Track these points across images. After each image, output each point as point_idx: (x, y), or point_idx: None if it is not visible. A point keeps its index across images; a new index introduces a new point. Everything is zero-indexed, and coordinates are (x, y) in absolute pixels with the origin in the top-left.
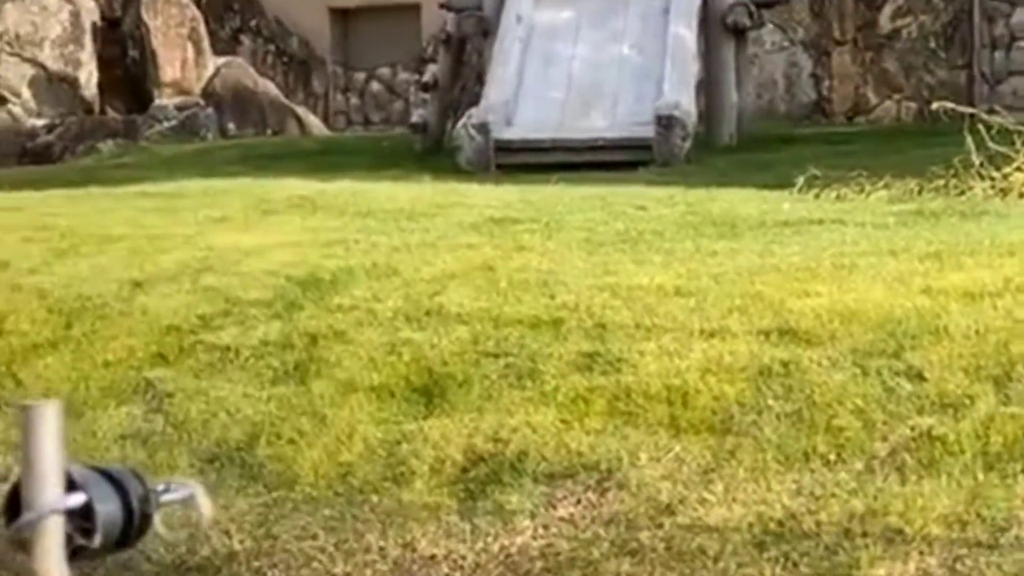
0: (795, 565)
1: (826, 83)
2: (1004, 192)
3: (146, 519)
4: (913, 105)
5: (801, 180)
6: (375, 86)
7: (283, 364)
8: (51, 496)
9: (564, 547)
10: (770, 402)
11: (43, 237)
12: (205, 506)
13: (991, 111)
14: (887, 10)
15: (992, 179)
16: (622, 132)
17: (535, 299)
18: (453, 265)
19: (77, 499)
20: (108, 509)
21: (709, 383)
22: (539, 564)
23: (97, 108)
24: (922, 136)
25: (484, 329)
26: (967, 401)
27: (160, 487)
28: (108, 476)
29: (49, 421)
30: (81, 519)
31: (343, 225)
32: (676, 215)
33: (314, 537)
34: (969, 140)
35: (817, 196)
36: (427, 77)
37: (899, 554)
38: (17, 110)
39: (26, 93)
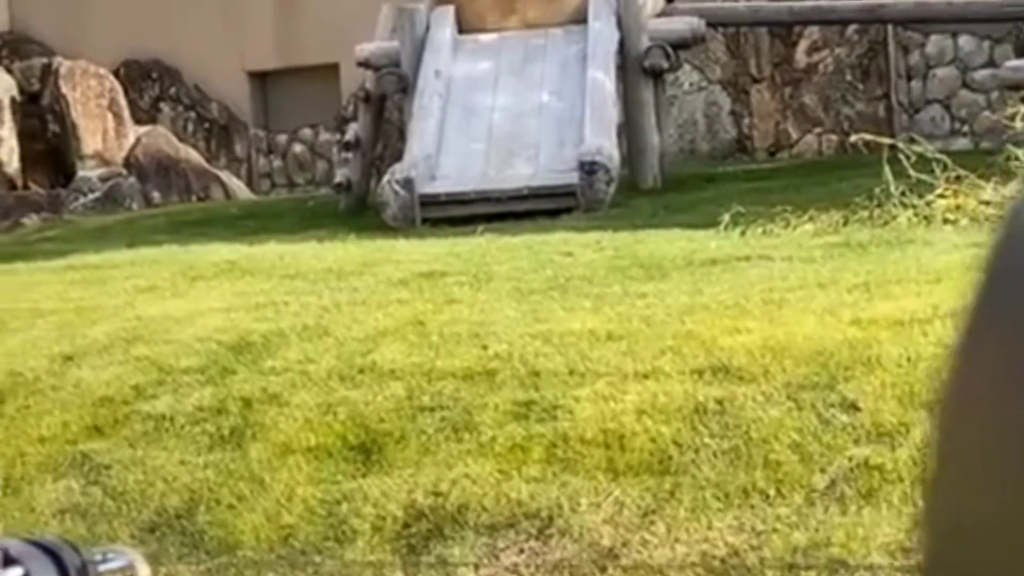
0: None
1: (746, 120)
2: (927, 220)
3: None
4: (834, 138)
5: (727, 218)
6: (297, 148)
7: (219, 430)
8: None
9: None
10: (707, 440)
11: None
12: (144, 573)
13: (911, 140)
14: (802, 45)
15: (915, 207)
16: (546, 180)
17: (467, 351)
18: (384, 322)
19: (15, 573)
20: None
21: (645, 425)
22: None
23: (20, 183)
24: (844, 168)
25: (418, 384)
26: (902, 429)
27: (97, 556)
28: (44, 548)
29: None
30: None
31: (272, 288)
32: (604, 259)
33: None
34: (888, 170)
35: (743, 233)
36: (349, 136)
37: None
38: None
39: None
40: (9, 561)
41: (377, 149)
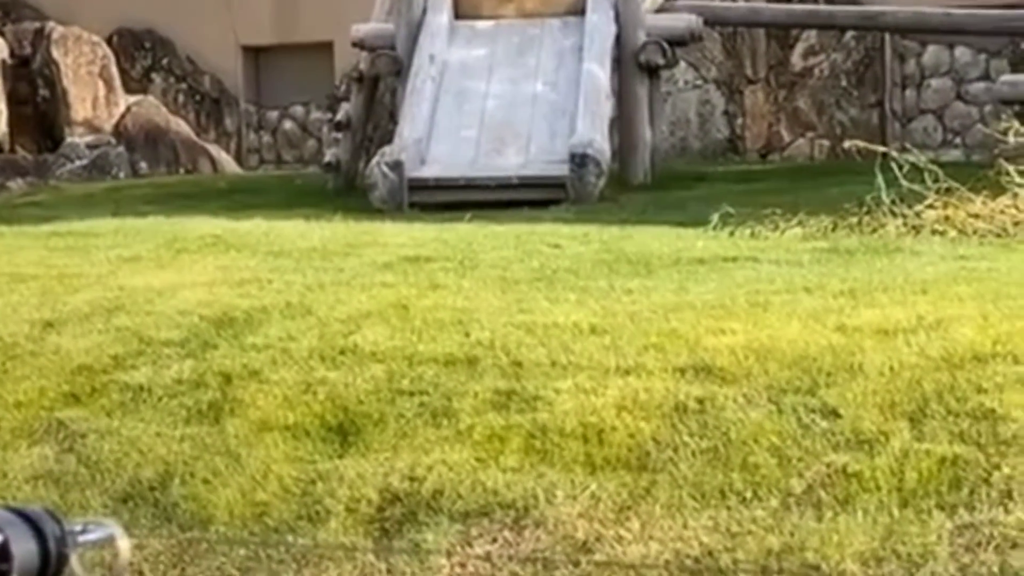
0: None
1: (739, 121)
2: (916, 229)
3: (63, 560)
4: (826, 143)
5: (715, 218)
6: (288, 124)
7: (197, 403)
8: None
9: None
10: (686, 439)
11: None
12: (123, 547)
13: (903, 149)
14: (799, 48)
15: (904, 216)
16: (536, 170)
17: (450, 337)
18: (367, 304)
19: None
20: (25, 550)
21: (625, 420)
22: None
23: (7, 147)
24: (835, 174)
25: (399, 368)
26: (882, 438)
27: (78, 527)
28: (24, 516)
29: None
30: None
31: (256, 264)
32: (591, 253)
33: None
34: (881, 178)
35: (731, 234)
36: (340, 116)
37: None
38: None
39: None
40: None
41: (368, 130)
